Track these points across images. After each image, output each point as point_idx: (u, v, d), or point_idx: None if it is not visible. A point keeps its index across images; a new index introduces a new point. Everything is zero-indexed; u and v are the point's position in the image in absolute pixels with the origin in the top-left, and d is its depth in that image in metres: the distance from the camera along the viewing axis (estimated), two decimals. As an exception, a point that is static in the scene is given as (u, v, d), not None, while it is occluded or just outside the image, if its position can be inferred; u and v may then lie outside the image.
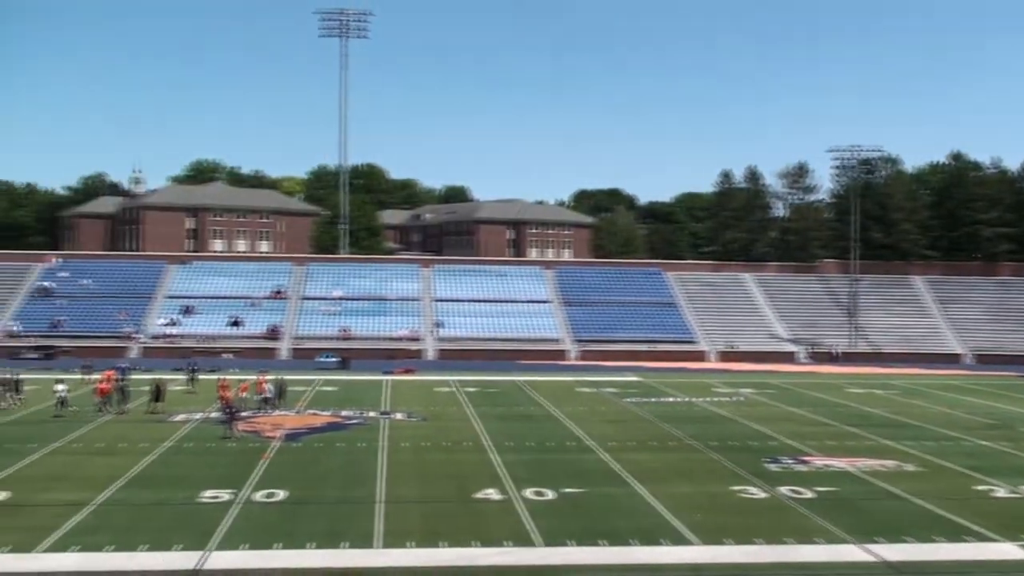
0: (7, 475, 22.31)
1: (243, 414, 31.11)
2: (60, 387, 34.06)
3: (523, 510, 19.29)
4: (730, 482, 22.57)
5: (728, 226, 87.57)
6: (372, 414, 33.66)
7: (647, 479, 22.62)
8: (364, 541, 16.96)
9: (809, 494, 21.32)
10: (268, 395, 34.22)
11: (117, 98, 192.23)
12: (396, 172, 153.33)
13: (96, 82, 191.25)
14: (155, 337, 60.31)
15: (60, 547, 16.31)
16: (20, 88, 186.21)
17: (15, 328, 59.90)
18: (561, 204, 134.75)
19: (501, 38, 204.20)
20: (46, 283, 65.63)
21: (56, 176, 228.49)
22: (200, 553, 16.07)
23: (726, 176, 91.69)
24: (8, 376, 37.88)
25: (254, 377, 36.79)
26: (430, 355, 59.93)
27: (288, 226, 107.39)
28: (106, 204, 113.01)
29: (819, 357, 63.37)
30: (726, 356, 62.61)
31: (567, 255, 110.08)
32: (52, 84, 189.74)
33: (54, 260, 70.17)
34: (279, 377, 37.51)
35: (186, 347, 57.14)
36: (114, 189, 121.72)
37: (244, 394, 31.73)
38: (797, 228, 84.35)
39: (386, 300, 66.83)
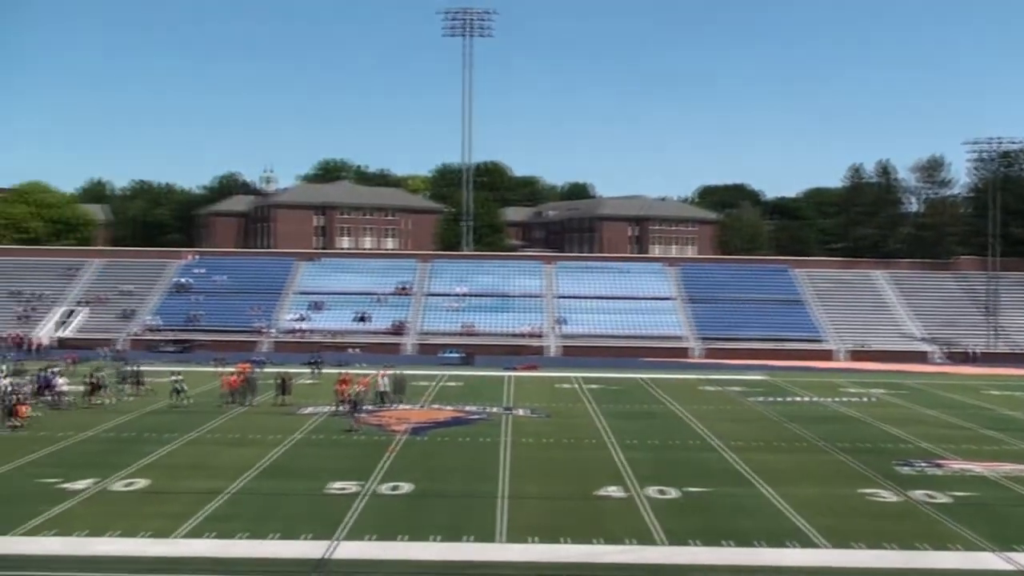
0: (148, 463, 23.28)
1: (366, 408, 31.75)
2: (175, 377, 35.27)
3: (646, 508, 19.17)
4: (859, 484, 21.95)
5: (858, 222, 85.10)
6: (495, 410, 33.90)
7: (773, 480, 22.17)
8: (486, 536, 17.07)
9: (944, 499, 20.60)
10: (382, 389, 34.76)
11: (249, 101, 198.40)
12: (519, 169, 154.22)
13: (229, 86, 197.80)
14: (285, 332, 62.01)
15: (196, 533, 16.91)
16: (159, 94, 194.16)
17: (155, 322, 62.37)
18: (685, 200, 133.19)
19: (623, 34, 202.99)
20: (183, 279, 68.13)
21: (192, 176, 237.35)
22: (327, 543, 16.46)
23: (856, 170, 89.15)
24: (129, 368, 39.39)
25: (374, 372, 37.47)
26: (552, 352, 60.05)
27: (413, 223, 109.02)
28: (239, 203, 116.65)
29: (955, 357, 61.03)
30: (856, 355, 60.90)
31: (691, 252, 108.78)
32: (189, 90, 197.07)
33: (191, 257, 72.77)
34: (398, 372, 38.11)
35: (314, 342, 58.59)
36: (246, 188, 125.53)
37: (361, 388, 32.39)
38: (932, 224, 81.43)
39: (509, 297, 67.22)
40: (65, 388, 34.57)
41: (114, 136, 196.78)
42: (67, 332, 61.19)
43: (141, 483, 20.91)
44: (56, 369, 37.36)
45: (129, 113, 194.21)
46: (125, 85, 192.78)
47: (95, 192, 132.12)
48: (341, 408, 31.61)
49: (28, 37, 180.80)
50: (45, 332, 60.78)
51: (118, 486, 20.70)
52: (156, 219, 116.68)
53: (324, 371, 43.37)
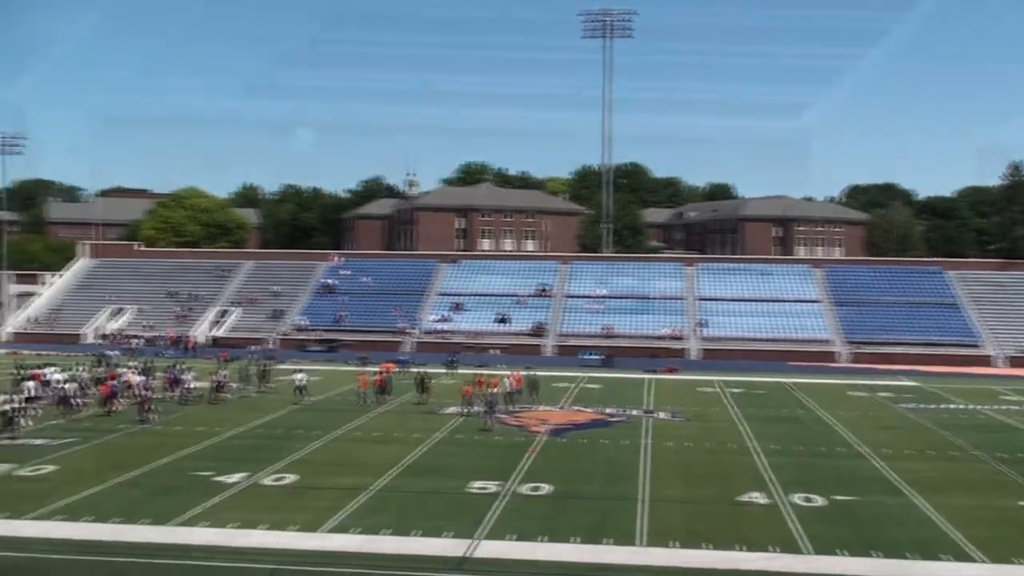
0: (296, 459, 24.02)
1: (499, 409, 31.97)
2: (299, 376, 36.22)
3: (790, 515, 18.70)
4: (1020, 496, 20.95)
5: (1018, 222, 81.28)
6: (635, 412, 33.68)
7: (925, 489, 21.31)
8: (626, 539, 16.94)
9: (1114, 513, 19.49)
10: (509, 390, 34.86)
11: (393, 107, 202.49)
12: (659, 170, 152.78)
13: (374, 93, 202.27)
14: (427, 332, 63.02)
15: (341, 528, 17.34)
16: (308, 103, 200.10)
17: (303, 322, 64.26)
18: (831, 200, 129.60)
19: (766, 31, 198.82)
20: (330, 280, 69.98)
21: (339, 180, 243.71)
22: (469, 541, 16.63)
23: (1016, 168, 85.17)
24: (254, 367, 40.48)
25: (506, 373, 37.68)
26: (693, 354, 59.25)
27: (553, 225, 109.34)
28: (383, 206, 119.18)
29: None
30: (1016, 361, 58.10)
31: (837, 253, 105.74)
32: (335, 98, 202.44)
33: (337, 259, 74.68)
34: (532, 373, 38.25)
35: (456, 342, 59.36)
36: (390, 192, 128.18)
37: (494, 390, 32.63)
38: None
39: (649, 299, 66.66)
40: (193, 384, 36.10)
41: (263, 143, 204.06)
42: (221, 331, 63.65)
43: (290, 478, 21.57)
44: (184, 366, 38.86)
45: (279, 121, 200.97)
46: (274, 95, 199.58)
47: (247, 196, 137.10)
48: (467, 410, 32.03)
49: (184, 51, 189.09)
50: (201, 331, 63.37)
51: (268, 480, 21.41)
52: (304, 222, 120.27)
53: (461, 371, 43.89)
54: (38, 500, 18.93)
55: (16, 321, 66.09)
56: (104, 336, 62.27)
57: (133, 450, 24.79)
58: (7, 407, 27.78)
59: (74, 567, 14.96)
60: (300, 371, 36.82)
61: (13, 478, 21.32)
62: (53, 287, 70.71)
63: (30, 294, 71.02)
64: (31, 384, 32.74)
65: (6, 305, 69.90)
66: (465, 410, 32.12)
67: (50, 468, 22.47)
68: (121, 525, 17.15)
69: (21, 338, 62.82)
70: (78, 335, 63.79)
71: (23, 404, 28.93)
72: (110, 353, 47.30)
